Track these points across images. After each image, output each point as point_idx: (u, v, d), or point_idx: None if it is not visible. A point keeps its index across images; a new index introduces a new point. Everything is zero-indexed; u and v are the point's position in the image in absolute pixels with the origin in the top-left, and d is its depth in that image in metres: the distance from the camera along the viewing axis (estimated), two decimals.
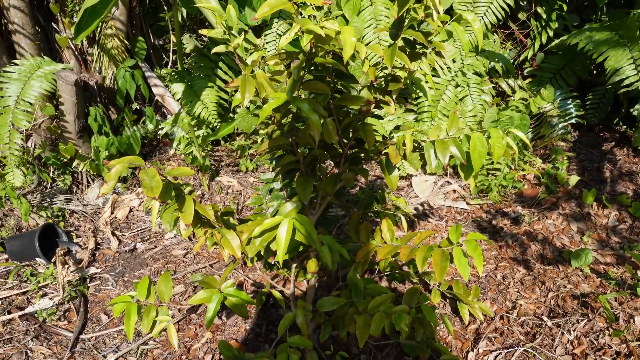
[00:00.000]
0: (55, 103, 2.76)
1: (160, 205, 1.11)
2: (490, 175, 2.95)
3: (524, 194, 2.89)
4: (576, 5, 3.57)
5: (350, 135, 1.29)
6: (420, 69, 1.46)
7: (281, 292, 1.55)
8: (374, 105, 1.27)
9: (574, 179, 2.85)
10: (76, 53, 3.09)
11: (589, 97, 3.48)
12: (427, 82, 1.91)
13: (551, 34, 3.42)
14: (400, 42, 1.20)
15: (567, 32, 3.42)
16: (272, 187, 1.75)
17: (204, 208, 1.05)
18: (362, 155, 1.37)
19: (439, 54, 1.31)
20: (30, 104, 2.46)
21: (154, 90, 3.17)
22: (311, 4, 1.41)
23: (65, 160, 2.81)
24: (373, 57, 2.94)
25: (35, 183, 2.81)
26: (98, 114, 2.74)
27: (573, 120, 3.16)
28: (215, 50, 1.07)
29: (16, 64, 2.58)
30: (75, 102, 2.63)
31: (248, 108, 2.89)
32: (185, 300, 2.22)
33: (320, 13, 2.80)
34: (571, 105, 3.19)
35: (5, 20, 2.89)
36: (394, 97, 1.26)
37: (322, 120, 1.18)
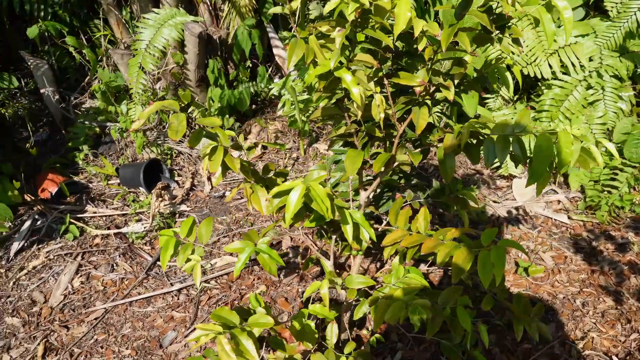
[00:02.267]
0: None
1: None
2: (604, 192, 2.63)
3: None
4: None
5: (405, 117, 1.24)
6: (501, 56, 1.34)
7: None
8: (434, 88, 1.21)
9: None
10: (210, 8, 3.32)
11: None
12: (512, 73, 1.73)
13: None
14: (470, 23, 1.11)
15: None
16: (339, 159, 1.76)
17: (232, 160, 1.10)
18: (420, 139, 1.31)
19: (516, 41, 1.19)
20: (158, 49, 2.71)
21: (274, 51, 3.30)
22: None
23: (182, 105, 3.07)
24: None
25: (155, 122, 3.12)
26: (216, 66, 2.94)
27: None
28: (271, 11, 1.09)
29: (154, 12, 2.85)
30: (196, 52, 2.84)
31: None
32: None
33: None
34: None
35: None
36: (455, 81, 1.18)
37: (370, 95, 1.15)
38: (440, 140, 1.33)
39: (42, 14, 3.37)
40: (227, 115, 3.02)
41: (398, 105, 1.23)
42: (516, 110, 3.19)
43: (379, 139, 1.40)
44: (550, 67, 2.88)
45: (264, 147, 3.05)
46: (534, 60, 2.86)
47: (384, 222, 1.54)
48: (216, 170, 1.06)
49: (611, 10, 2.85)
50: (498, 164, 2.98)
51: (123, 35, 3.42)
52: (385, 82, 1.17)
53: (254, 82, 3.14)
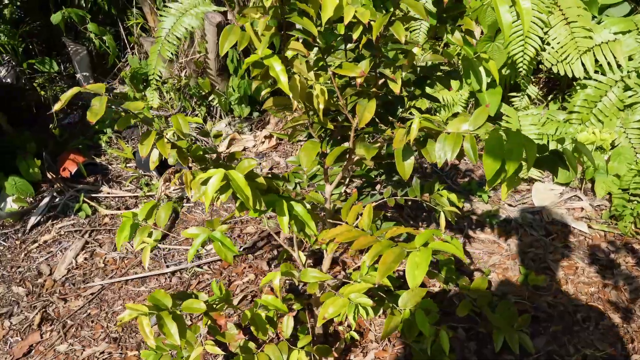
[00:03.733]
0: None
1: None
2: (633, 202, 2.43)
3: None
4: None
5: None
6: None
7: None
8: (383, 81, 1.15)
9: None
10: None
11: None
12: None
13: None
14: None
15: None
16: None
17: (164, 145, 1.11)
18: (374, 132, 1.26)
19: (469, 33, 1.11)
20: (177, 37, 2.78)
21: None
22: None
23: (204, 93, 3.14)
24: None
25: (179, 108, 3.20)
26: (235, 56, 2.97)
27: None
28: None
29: (178, 1, 2.92)
30: (216, 41, 2.88)
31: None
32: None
33: None
34: None
35: None
36: (403, 73, 1.12)
37: (315, 85, 1.12)
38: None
39: (83, 2, 3.54)
40: (244, 105, 3.05)
41: (347, 96, 1.19)
42: (548, 109, 3.01)
43: (343, 132, 1.37)
44: (584, 65, 2.69)
45: (279, 138, 3.05)
46: (565, 58, 2.68)
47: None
48: (146, 155, 1.07)
49: None
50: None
51: (155, 24, 3.53)
52: (330, 72, 1.13)
53: None
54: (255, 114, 3.17)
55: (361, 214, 1.24)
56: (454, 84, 2.97)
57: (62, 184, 2.64)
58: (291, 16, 1.00)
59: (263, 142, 3.02)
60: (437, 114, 3.22)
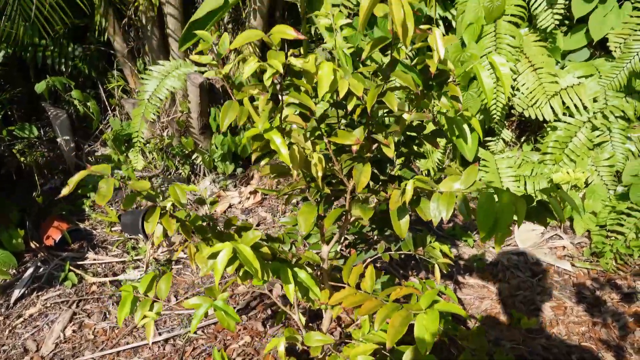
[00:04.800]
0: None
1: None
2: (610, 238, 2.52)
3: None
4: None
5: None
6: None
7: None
8: (376, 145, 1.21)
9: None
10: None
11: None
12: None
13: None
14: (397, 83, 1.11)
15: None
16: None
17: (169, 222, 1.12)
18: (370, 195, 1.30)
19: (455, 98, 1.18)
20: (160, 99, 2.82)
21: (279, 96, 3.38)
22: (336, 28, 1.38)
23: (187, 152, 3.17)
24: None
25: (162, 168, 3.21)
26: (217, 114, 3.02)
27: None
28: (206, 75, 1.14)
29: (159, 64, 2.98)
30: (198, 102, 2.94)
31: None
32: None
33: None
34: None
35: (166, 26, 3.35)
36: (395, 139, 1.18)
37: (312, 154, 1.16)
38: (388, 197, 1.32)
39: (64, 67, 3.58)
40: (229, 162, 3.08)
41: (344, 163, 1.23)
42: (522, 151, 3.13)
43: (337, 194, 1.40)
44: (552, 108, 2.83)
45: (265, 193, 3.08)
46: (535, 103, 2.81)
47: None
48: (152, 232, 1.09)
49: (615, 50, 2.79)
50: None
51: (136, 85, 3.58)
52: (326, 140, 1.18)
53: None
54: (239, 169, 3.21)
55: (362, 275, 1.26)
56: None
57: (46, 253, 2.59)
58: (289, 92, 1.05)
59: (248, 198, 3.04)
60: (416, 161, 3.31)
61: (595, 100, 2.84)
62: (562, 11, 2.75)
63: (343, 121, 1.34)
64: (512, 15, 2.68)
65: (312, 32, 3.38)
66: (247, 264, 1.01)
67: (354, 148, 1.13)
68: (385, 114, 1.39)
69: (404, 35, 0.84)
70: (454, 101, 1.17)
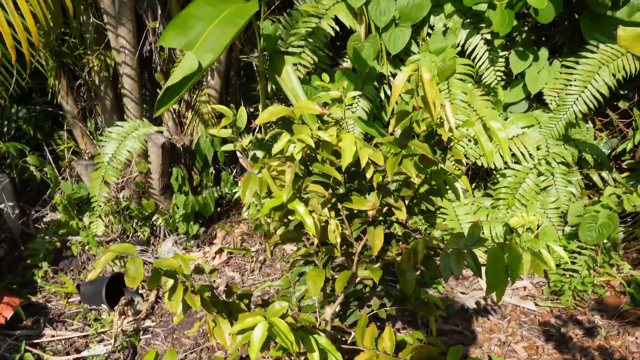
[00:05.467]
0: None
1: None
2: (566, 276, 2.69)
3: (604, 302, 2.59)
4: None
5: (362, 235, 1.28)
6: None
7: None
8: (386, 208, 1.26)
9: None
10: (174, 116, 3.42)
11: None
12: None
13: None
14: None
15: None
16: (303, 271, 1.76)
17: (192, 298, 1.10)
18: (379, 255, 1.34)
19: (459, 161, 1.27)
20: (121, 161, 2.75)
21: (238, 154, 3.39)
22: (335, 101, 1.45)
23: (147, 213, 3.07)
24: None
25: (119, 232, 3.08)
26: (179, 174, 2.98)
27: None
28: (223, 148, 1.15)
29: (118, 125, 2.91)
30: (160, 162, 2.89)
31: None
32: None
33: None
34: None
35: (120, 86, 3.30)
36: (406, 202, 1.24)
37: (326, 220, 1.19)
38: (399, 254, 1.36)
39: (6, 129, 3.40)
40: (192, 222, 3.02)
41: (354, 226, 1.27)
42: (475, 198, 3.31)
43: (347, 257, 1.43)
44: (502, 157, 3.03)
45: (230, 252, 3.03)
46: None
47: (352, 335, 1.53)
48: (177, 310, 1.05)
49: (551, 103, 3.07)
50: None
51: (87, 146, 3.46)
52: (340, 206, 1.21)
53: (218, 187, 3.18)
54: (202, 229, 3.14)
55: (377, 337, 1.28)
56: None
57: None
58: (314, 163, 1.08)
59: (214, 258, 2.97)
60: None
61: (538, 148, 3.08)
62: (502, 68, 3.01)
63: (343, 187, 1.38)
64: (461, 73, 2.90)
65: (270, 88, 3.45)
66: (280, 337, 1.00)
67: (370, 213, 1.17)
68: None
69: (434, 110, 0.91)
70: (459, 164, 1.25)
